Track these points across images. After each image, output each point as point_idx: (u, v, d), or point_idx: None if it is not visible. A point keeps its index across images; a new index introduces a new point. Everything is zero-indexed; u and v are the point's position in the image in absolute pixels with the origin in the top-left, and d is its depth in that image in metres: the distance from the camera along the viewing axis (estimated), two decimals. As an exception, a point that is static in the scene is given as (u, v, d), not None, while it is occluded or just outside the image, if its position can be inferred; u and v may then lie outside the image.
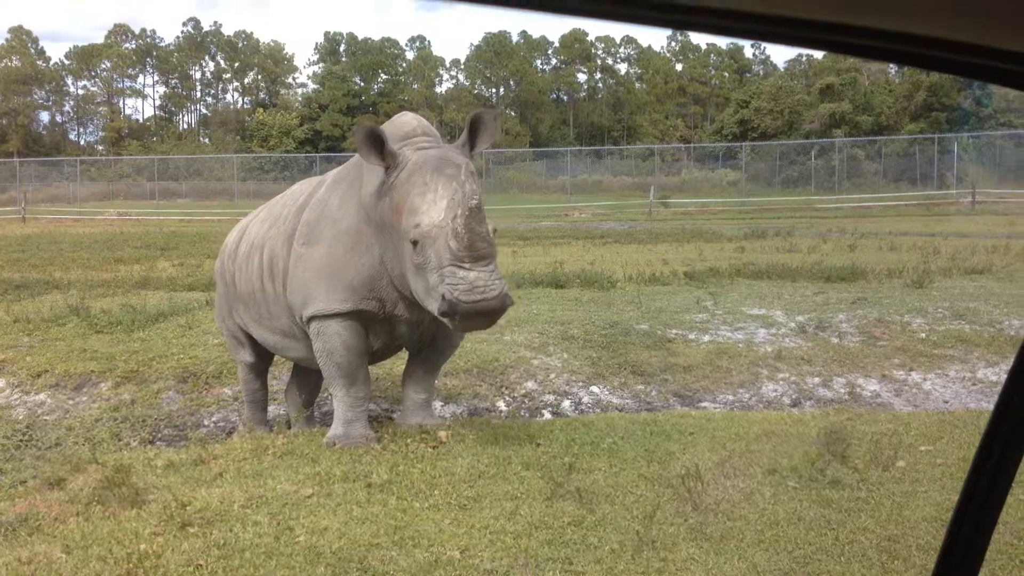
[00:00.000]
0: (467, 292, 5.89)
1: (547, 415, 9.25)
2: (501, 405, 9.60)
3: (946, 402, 9.36)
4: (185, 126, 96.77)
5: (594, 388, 9.90)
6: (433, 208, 6.12)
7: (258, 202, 45.39)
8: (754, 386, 9.82)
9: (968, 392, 9.58)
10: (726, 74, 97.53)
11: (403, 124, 6.84)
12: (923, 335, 11.00)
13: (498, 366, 10.27)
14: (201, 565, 4.77)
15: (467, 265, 5.93)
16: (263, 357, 8.64)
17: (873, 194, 46.19)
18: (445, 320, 6.14)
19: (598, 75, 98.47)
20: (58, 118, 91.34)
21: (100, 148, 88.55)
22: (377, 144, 6.37)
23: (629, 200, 48.26)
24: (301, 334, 7.41)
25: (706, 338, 11.13)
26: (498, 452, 6.67)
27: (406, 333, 7.18)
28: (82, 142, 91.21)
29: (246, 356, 8.56)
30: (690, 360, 10.39)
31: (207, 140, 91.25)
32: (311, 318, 6.97)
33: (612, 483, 5.98)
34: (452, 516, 5.48)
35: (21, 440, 8.84)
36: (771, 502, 5.54)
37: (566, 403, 9.62)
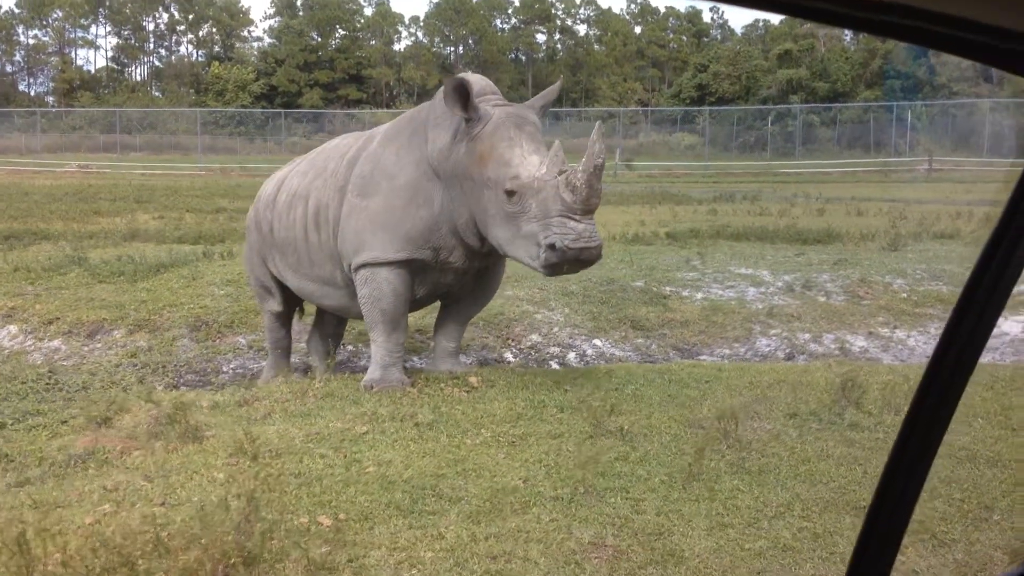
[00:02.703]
0: (575, 240, 6.37)
1: (554, 366, 9.66)
2: (509, 356, 10.00)
3: (928, 357, 9.90)
4: (138, 78, 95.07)
5: (596, 341, 10.33)
6: (526, 161, 6.60)
7: (214, 157, 44.90)
8: (748, 341, 10.32)
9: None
10: (684, 38, 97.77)
11: (473, 83, 7.19)
12: (904, 295, 11.58)
13: (503, 319, 10.66)
14: (285, 492, 5.13)
15: (577, 217, 6.38)
16: (290, 306, 8.97)
17: (828, 160, 47.02)
18: (537, 265, 6.58)
19: (557, 36, 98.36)
20: (8, 68, 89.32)
21: (50, 99, 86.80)
22: (464, 96, 6.76)
23: (591, 162, 48.48)
24: (341, 282, 7.77)
25: (699, 295, 11.61)
26: (530, 396, 7.08)
27: (451, 282, 7.57)
28: (32, 93, 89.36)
29: (274, 305, 8.88)
30: (686, 316, 10.86)
31: (159, 93, 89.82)
32: (362, 265, 7.31)
33: (645, 424, 6.41)
34: (505, 451, 5.88)
35: (48, 384, 9.06)
36: (798, 441, 6.02)
37: (571, 355, 10.04)
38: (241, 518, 4.27)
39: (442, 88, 7.40)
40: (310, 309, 10.04)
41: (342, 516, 4.80)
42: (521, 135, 6.82)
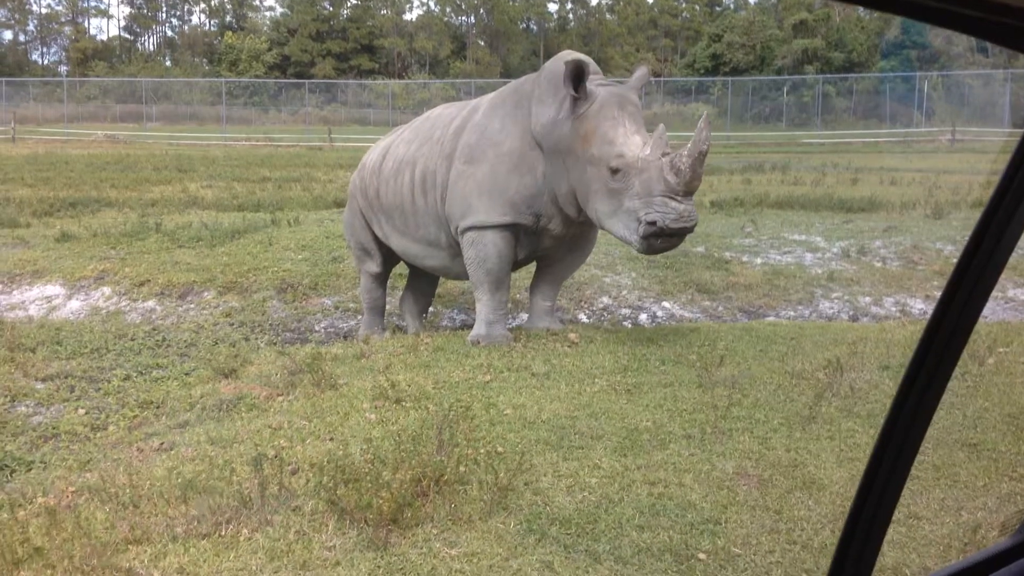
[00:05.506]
0: (676, 220, 6.89)
1: (628, 326, 10.15)
2: (583, 317, 10.50)
3: (984, 317, 10.39)
4: (152, 48, 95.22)
5: (665, 303, 10.82)
6: (630, 141, 7.05)
7: (230, 127, 45.23)
8: (812, 303, 10.80)
9: (1003, 309, 10.63)
10: (697, 7, 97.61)
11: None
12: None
13: (574, 283, 11.14)
14: (441, 429, 5.64)
15: (679, 198, 6.88)
16: (387, 268, 9.53)
17: (843, 131, 47.28)
18: (635, 239, 7.06)
19: (569, 5, 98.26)
20: (21, 37, 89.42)
21: (63, 69, 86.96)
22: (580, 77, 7.25)
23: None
24: (445, 244, 8.29)
25: (758, 260, 12.10)
26: (630, 351, 7.57)
27: (548, 246, 8.08)
28: (45, 62, 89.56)
29: (373, 267, 9.41)
30: (749, 280, 11.34)
31: (170, 63, 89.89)
32: (468, 228, 7.80)
33: (747, 375, 6.90)
34: (625, 398, 6.38)
35: (157, 341, 9.59)
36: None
37: (643, 316, 10.54)
38: (434, 447, 4.80)
39: (548, 64, 7.86)
40: (396, 272, 10.56)
41: (500, 449, 5.31)
42: (623, 115, 7.27)
